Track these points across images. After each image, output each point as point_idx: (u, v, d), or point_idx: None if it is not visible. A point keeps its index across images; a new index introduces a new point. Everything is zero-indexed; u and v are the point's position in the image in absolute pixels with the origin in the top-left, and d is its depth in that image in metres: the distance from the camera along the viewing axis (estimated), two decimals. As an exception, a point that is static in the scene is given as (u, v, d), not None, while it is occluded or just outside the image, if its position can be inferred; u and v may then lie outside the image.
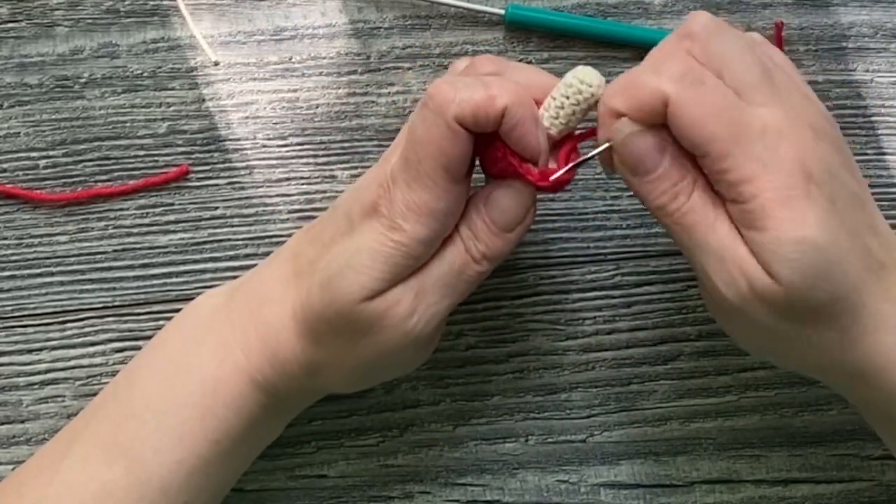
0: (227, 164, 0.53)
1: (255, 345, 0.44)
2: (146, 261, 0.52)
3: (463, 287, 0.43)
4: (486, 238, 0.42)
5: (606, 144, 0.40)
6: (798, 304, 0.38)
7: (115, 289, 0.52)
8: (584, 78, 0.40)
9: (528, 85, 0.41)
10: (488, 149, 0.41)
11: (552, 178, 0.41)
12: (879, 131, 0.53)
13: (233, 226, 0.52)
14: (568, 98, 0.40)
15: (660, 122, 0.39)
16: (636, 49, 0.53)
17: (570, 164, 0.42)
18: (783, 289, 0.38)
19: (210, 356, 0.44)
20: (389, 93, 0.53)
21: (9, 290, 0.52)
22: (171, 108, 0.53)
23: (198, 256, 0.52)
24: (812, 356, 0.41)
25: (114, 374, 0.51)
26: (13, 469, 0.50)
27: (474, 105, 0.39)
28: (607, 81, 0.41)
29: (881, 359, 0.40)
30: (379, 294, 0.41)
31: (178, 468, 0.43)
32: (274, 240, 0.52)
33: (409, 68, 0.53)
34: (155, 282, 0.52)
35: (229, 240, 0.52)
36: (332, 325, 0.42)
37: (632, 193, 0.52)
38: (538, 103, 0.41)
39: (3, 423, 0.51)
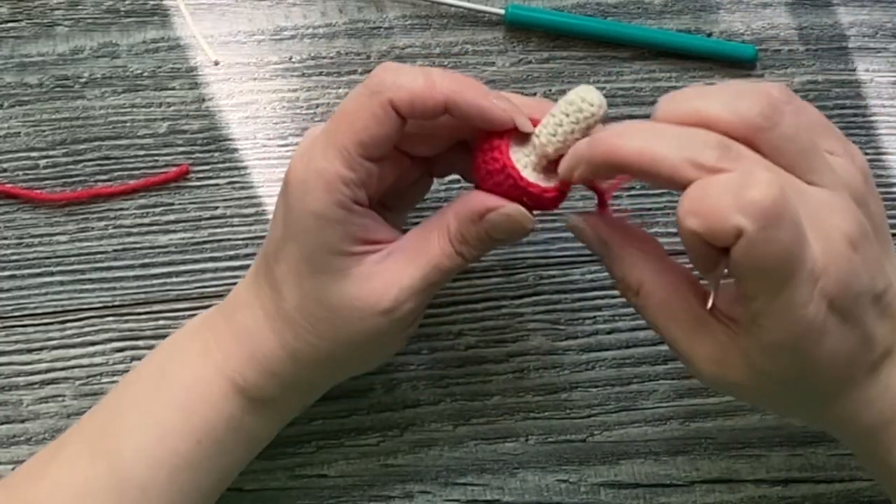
0: (227, 164, 0.53)
1: (233, 348, 0.44)
2: (146, 261, 0.52)
3: (445, 280, 0.43)
4: (480, 245, 0.42)
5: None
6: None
7: (115, 289, 0.52)
8: (586, 96, 0.40)
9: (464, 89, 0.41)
10: (486, 164, 0.41)
11: (546, 192, 0.41)
12: (879, 131, 0.53)
13: (233, 226, 0.52)
14: (568, 115, 0.40)
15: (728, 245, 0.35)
16: (636, 49, 0.53)
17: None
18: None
19: (193, 359, 0.45)
20: (389, 93, 0.53)
21: (9, 290, 0.52)
22: (171, 108, 0.53)
23: (198, 256, 0.52)
24: (819, 410, 0.40)
25: (114, 373, 0.51)
26: (13, 469, 0.50)
27: (411, 92, 0.39)
28: (605, 87, 0.41)
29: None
30: (348, 267, 0.41)
31: (159, 467, 0.44)
32: (274, 240, 0.52)
33: (409, 68, 0.53)
34: (155, 281, 0.52)
35: (229, 240, 0.52)
36: (312, 312, 0.42)
37: (631, 193, 0.52)
38: (535, 122, 0.41)
39: (3, 423, 0.51)
